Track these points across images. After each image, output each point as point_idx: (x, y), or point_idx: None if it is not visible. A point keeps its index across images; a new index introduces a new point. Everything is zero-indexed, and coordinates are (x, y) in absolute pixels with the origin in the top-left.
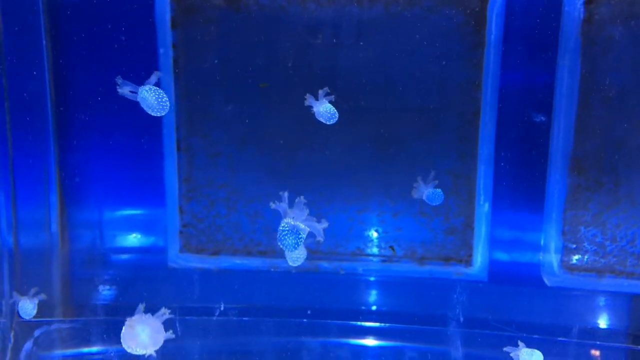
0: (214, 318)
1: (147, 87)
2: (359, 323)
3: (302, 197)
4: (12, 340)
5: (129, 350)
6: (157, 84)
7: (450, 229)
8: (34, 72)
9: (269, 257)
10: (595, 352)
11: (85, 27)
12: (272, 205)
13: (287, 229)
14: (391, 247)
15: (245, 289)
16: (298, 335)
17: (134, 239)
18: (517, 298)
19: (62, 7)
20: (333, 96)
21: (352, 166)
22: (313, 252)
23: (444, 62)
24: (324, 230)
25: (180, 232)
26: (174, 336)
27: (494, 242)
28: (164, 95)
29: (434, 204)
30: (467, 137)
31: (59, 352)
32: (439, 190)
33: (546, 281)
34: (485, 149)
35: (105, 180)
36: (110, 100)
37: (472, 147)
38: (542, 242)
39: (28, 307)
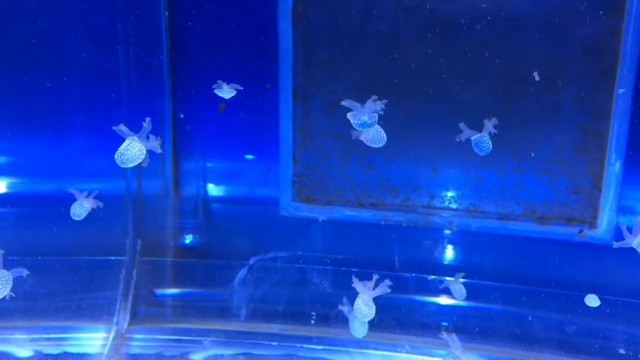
0: (322, 267)
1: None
2: (467, 280)
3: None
4: (134, 277)
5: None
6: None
7: (575, 188)
8: (151, 21)
9: (380, 210)
10: None
11: None
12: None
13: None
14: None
15: (354, 241)
16: (404, 291)
17: (245, 186)
18: None
19: None
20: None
21: (472, 118)
22: (425, 207)
23: (580, 8)
24: None
25: (293, 182)
26: None
27: (622, 205)
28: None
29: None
30: (601, 91)
31: (170, 290)
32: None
33: None
34: (620, 103)
35: (219, 128)
36: (225, 48)
37: (607, 101)
38: None
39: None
